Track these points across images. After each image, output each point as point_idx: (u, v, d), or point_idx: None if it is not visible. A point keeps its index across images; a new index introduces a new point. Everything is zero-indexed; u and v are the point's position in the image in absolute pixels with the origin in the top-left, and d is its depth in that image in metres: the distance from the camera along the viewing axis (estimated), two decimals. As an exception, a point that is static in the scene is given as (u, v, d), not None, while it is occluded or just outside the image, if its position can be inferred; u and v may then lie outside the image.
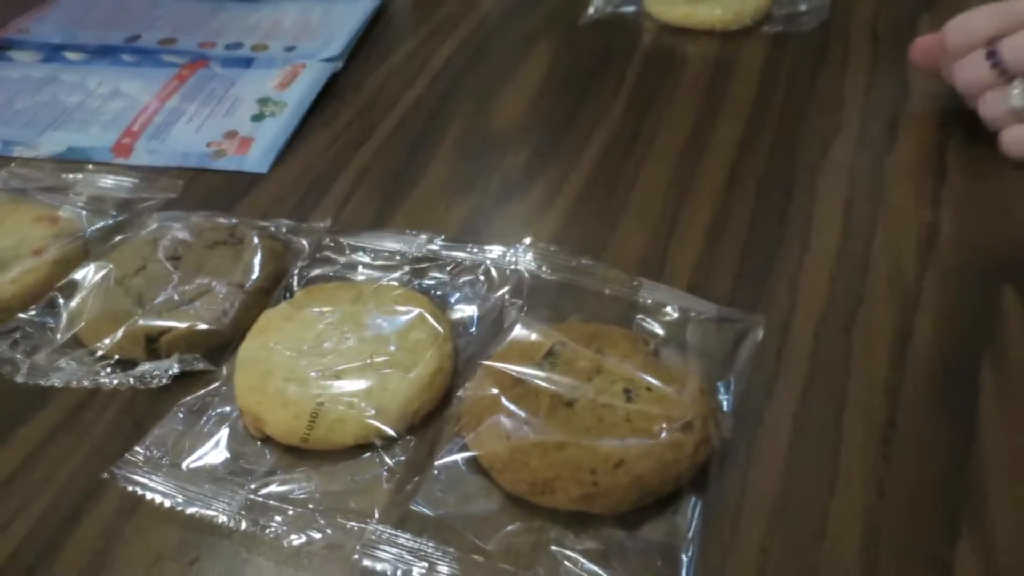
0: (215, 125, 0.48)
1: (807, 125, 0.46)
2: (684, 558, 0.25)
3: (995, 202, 0.40)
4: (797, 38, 0.54)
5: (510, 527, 0.27)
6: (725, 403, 0.30)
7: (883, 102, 0.48)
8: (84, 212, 0.40)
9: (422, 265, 0.37)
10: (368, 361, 0.30)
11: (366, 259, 0.37)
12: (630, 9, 0.57)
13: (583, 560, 0.25)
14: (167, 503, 0.28)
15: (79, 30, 0.59)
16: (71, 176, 0.43)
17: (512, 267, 0.36)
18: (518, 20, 0.59)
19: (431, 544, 0.26)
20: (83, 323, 0.33)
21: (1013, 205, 0.40)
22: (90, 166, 0.45)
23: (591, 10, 0.58)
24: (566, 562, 0.25)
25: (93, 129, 0.48)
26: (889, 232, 0.39)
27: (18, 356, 0.33)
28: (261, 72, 0.52)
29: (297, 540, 0.27)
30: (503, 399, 0.28)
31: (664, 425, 0.27)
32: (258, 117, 0.48)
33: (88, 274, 0.35)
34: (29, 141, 0.47)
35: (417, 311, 0.32)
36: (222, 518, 0.27)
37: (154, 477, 0.29)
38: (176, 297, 0.34)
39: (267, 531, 0.27)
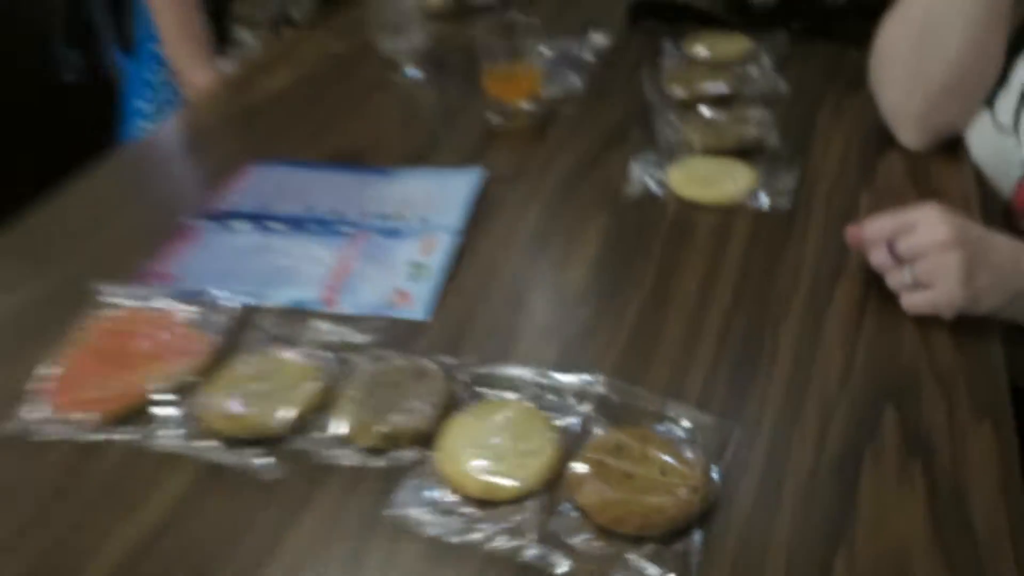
0: (386, 282, 0.72)
1: (777, 282, 0.70)
2: (693, 561, 0.49)
3: (892, 344, 0.64)
4: (773, 214, 0.78)
5: (600, 543, 0.50)
6: (716, 477, 0.53)
7: (829, 265, 0.72)
8: (320, 352, 0.64)
9: (537, 388, 0.61)
10: (518, 449, 0.54)
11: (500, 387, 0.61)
12: (659, 189, 0.82)
13: (640, 559, 0.49)
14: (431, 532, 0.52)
15: (268, 204, 0.84)
16: (298, 325, 0.68)
17: (590, 391, 0.60)
18: (577, 194, 0.84)
19: (559, 552, 0.50)
20: (348, 428, 0.58)
21: (905, 347, 0.63)
22: (309, 316, 0.70)
23: (630, 189, 0.83)
24: (630, 560, 0.49)
25: (303, 285, 0.73)
26: (822, 363, 0.62)
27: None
28: (408, 241, 0.77)
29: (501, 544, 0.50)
30: (594, 473, 0.52)
31: (682, 488, 0.51)
32: (414, 277, 0.73)
33: (342, 399, 0.60)
34: (262, 294, 0.72)
35: (542, 419, 0.56)
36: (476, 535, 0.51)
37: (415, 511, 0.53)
38: (398, 410, 0.58)
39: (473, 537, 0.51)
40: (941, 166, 0.83)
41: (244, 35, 1.35)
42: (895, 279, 0.66)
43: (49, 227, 0.86)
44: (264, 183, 0.89)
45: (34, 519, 0.55)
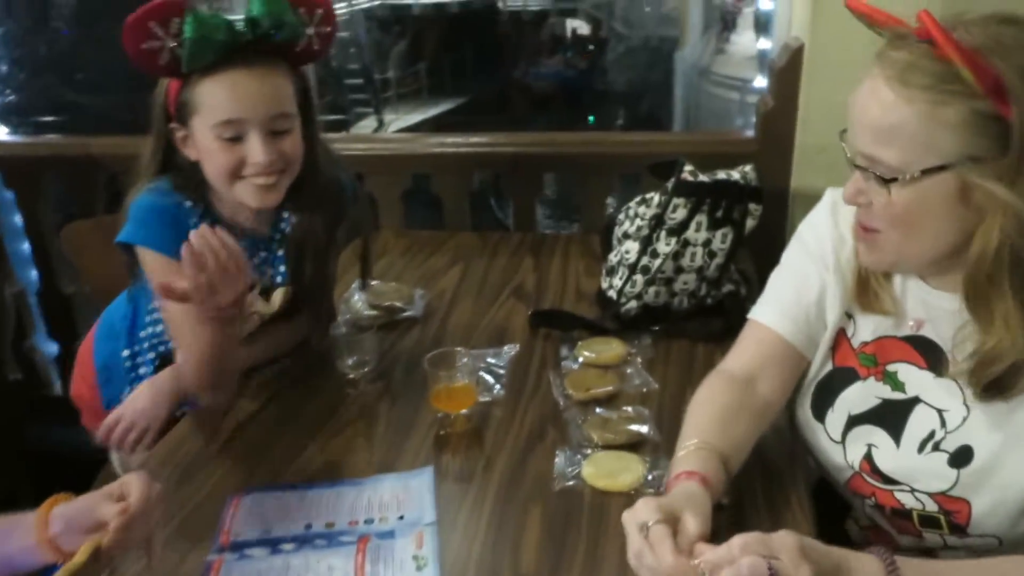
0: (399, 576, 0.96)
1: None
2: None
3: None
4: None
5: None
6: None
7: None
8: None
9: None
10: None
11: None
12: (576, 482, 1.11)
13: None
14: None
15: (271, 527, 1.06)
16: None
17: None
18: (517, 488, 1.12)
19: None
20: None
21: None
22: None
23: (556, 483, 1.11)
24: None
25: (327, 591, 0.95)
26: None
27: None
28: (403, 539, 1.02)
29: None
30: None
31: None
32: (420, 568, 0.97)
33: None
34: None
35: None
36: None
37: None
38: None
39: None
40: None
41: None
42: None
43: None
44: (260, 508, 1.10)
45: None
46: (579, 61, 10.22)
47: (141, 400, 1.36)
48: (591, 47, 10.46)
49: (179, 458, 1.24)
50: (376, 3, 9.03)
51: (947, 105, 0.86)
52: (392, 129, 7.65)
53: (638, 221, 1.47)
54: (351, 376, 1.39)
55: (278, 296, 1.43)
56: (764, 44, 2.23)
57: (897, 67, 0.89)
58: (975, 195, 0.89)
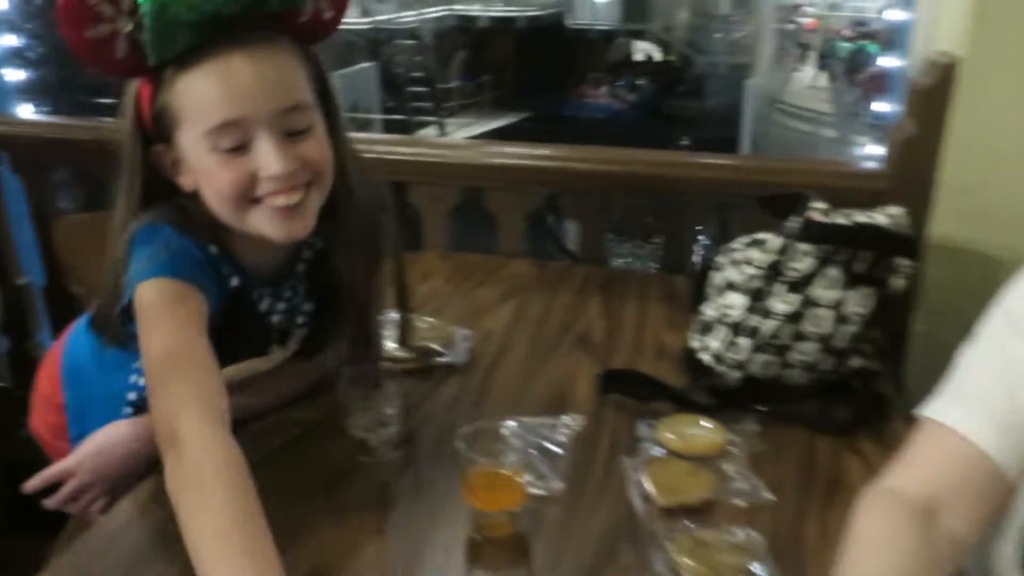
0: None
1: None
2: None
3: None
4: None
5: None
6: None
7: None
8: None
9: None
10: None
11: None
12: None
13: None
14: None
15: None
16: None
17: None
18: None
19: None
20: None
21: None
22: None
23: None
24: None
25: None
26: None
27: None
28: None
29: None
30: None
31: None
32: None
33: None
34: None
35: None
36: None
37: None
38: None
39: None
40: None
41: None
42: None
43: None
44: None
45: None
46: (644, 84, 9.94)
47: (99, 453, 1.07)
48: (657, 71, 10.19)
49: (127, 541, 0.94)
50: (445, 12, 8.94)
51: None
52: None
53: (747, 269, 1.14)
54: (365, 439, 1.08)
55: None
56: (891, 62, 1.89)
57: None
58: None
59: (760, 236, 1.16)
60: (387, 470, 1.06)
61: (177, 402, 0.83)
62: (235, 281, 1.02)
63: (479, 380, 1.25)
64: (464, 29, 9.02)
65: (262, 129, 0.91)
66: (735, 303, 1.14)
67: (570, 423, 1.11)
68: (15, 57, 3.17)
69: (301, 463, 1.06)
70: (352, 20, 7.06)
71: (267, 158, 0.91)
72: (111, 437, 1.09)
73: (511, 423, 1.01)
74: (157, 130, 0.95)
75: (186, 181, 0.97)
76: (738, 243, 1.20)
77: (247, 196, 0.94)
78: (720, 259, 1.21)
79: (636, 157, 1.72)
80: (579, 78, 9.77)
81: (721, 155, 1.76)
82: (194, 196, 0.97)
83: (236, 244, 1.01)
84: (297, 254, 1.10)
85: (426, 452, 1.09)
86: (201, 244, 0.97)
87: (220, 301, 0.97)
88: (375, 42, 7.21)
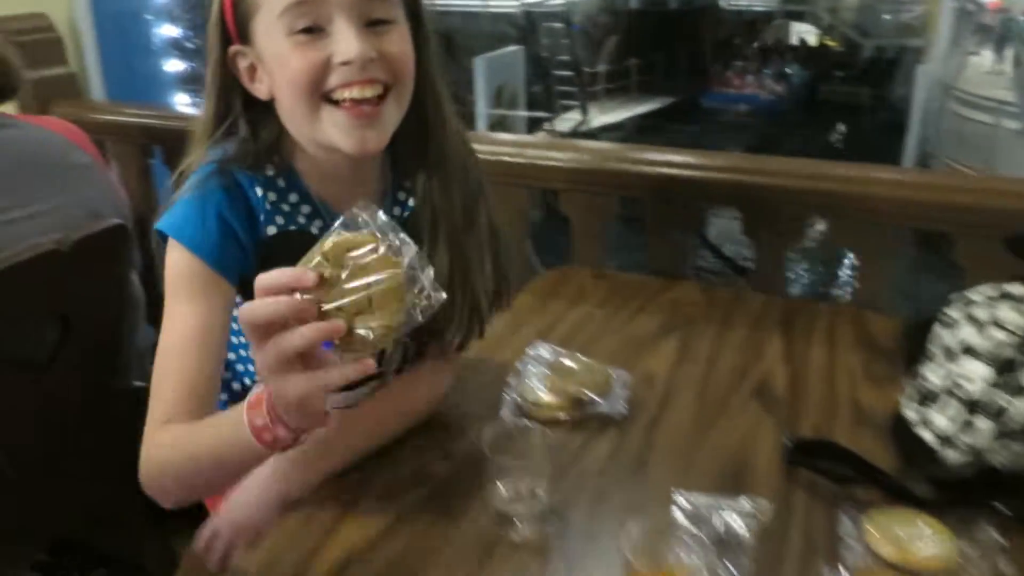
0: None
1: None
2: None
3: None
4: None
5: None
6: None
7: None
8: None
9: None
10: None
11: None
12: None
13: None
14: None
15: None
16: None
17: None
18: None
19: None
20: None
21: None
22: None
23: None
24: None
25: None
26: None
27: None
28: None
29: None
30: None
31: None
32: None
33: None
34: None
35: None
36: None
37: None
38: None
39: None
40: None
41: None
42: None
43: None
44: None
45: None
46: (794, 72, 9.36)
47: (240, 509, 0.97)
48: (811, 56, 9.60)
49: None
50: (596, -6, 8.76)
51: None
52: (596, 125, 7.27)
53: (996, 333, 0.90)
54: (507, 511, 0.92)
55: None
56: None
57: None
58: None
59: (1012, 288, 0.92)
60: (526, 554, 0.90)
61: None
62: (305, 209, 0.98)
63: (639, 439, 1.07)
64: (613, 11, 8.78)
65: (340, 12, 0.87)
66: (975, 373, 0.90)
67: (751, 510, 0.91)
68: (174, 48, 3.22)
69: (432, 529, 0.92)
70: (502, 3, 6.96)
71: (343, 42, 0.87)
72: (246, 496, 0.99)
73: (681, 500, 0.84)
74: (237, 27, 0.92)
75: (261, 88, 0.94)
76: (979, 295, 0.96)
77: (320, 88, 0.89)
78: (953, 313, 0.97)
79: (824, 171, 1.48)
80: (725, 65, 9.33)
81: (943, 173, 1.49)
82: (266, 119, 0.95)
83: (307, 174, 0.98)
84: (387, 208, 1.02)
85: (579, 527, 0.93)
86: (265, 179, 0.95)
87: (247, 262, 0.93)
88: (525, 26, 7.10)
